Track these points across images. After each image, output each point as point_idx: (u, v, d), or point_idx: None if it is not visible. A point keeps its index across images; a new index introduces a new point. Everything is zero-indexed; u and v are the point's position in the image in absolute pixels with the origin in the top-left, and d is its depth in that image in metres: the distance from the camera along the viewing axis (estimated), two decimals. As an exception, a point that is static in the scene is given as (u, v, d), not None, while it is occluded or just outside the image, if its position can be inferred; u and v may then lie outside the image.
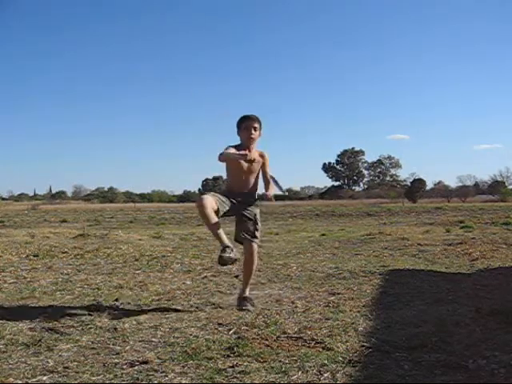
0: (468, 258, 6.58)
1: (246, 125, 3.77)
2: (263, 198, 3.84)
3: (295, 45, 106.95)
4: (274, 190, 3.89)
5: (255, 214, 3.84)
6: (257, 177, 3.86)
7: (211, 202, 3.49)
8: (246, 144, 3.78)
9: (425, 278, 5.00)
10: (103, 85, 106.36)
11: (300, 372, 2.35)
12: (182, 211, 30.88)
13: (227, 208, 3.65)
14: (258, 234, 3.83)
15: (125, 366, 2.47)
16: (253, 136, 3.77)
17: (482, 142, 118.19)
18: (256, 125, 3.78)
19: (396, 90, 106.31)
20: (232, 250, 3.47)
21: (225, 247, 3.47)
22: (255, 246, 3.82)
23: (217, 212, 3.53)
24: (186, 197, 73.91)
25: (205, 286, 4.77)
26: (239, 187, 3.80)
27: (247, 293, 3.85)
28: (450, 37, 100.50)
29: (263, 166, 3.87)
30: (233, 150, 3.70)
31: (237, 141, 3.86)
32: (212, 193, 3.66)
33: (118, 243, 8.70)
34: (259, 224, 3.86)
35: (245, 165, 3.75)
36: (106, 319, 3.39)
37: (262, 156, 3.86)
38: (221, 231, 3.53)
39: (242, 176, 3.79)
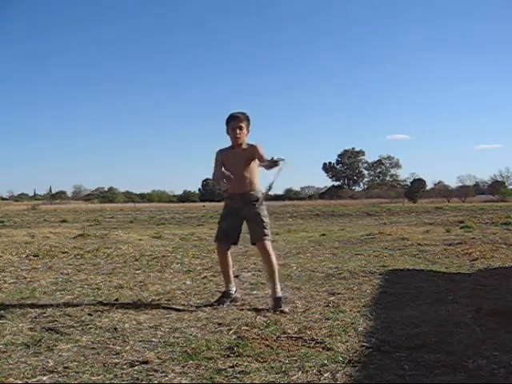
0: (468, 258, 6.58)
1: (232, 125, 3.83)
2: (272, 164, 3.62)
3: (295, 44, 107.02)
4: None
5: (259, 214, 3.83)
6: (253, 173, 3.86)
7: (226, 249, 3.95)
8: (234, 144, 3.89)
9: (425, 278, 5.00)
10: (103, 85, 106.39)
11: (300, 372, 2.35)
12: (182, 211, 30.91)
13: (238, 225, 3.92)
14: (267, 231, 3.84)
15: (125, 366, 2.47)
16: (238, 136, 3.83)
17: (481, 142, 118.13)
18: (241, 124, 3.82)
19: (396, 89, 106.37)
20: (231, 298, 3.90)
21: (227, 292, 3.94)
22: (267, 243, 3.84)
23: (235, 242, 3.96)
24: (185, 197, 73.94)
25: (205, 286, 4.77)
26: (237, 187, 3.85)
27: (279, 292, 3.81)
28: (450, 37, 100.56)
29: (256, 153, 3.82)
30: (220, 170, 3.89)
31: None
32: (222, 232, 3.93)
33: (118, 243, 8.70)
34: (266, 220, 3.86)
35: (234, 164, 3.83)
36: (105, 319, 3.39)
37: (252, 148, 3.86)
38: (230, 273, 4.01)
39: (239, 176, 3.81)
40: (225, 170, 3.85)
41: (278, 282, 3.87)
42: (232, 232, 3.90)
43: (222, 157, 3.92)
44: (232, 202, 3.92)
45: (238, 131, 3.81)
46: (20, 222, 19.31)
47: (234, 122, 3.82)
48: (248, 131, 3.90)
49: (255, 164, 3.86)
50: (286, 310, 3.61)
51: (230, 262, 4.01)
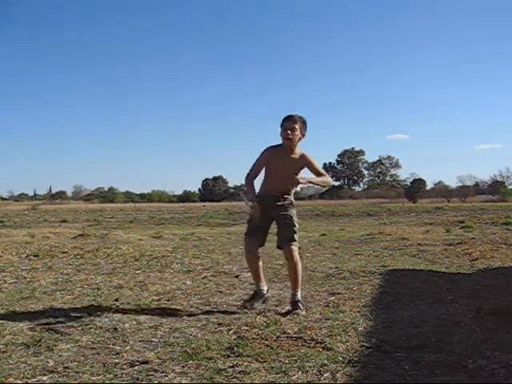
0: (468, 258, 6.59)
1: (285, 126, 3.75)
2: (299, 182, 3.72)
3: (295, 45, 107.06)
4: (313, 184, 3.87)
5: (291, 217, 3.78)
6: (293, 180, 3.73)
7: (256, 246, 3.80)
8: (285, 145, 3.78)
9: (425, 278, 5.00)
10: (103, 85, 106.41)
11: (300, 372, 2.35)
12: (182, 211, 30.90)
13: (267, 226, 3.82)
14: (296, 236, 3.75)
15: (125, 366, 2.47)
16: (289, 137, 3.72)
17: (481, 142, 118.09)
18: (294, 125, 3.73)
19: (396, 90, 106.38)
20: (262, 299, 3.81)
21: (259, 293, 3.83)
22: (294, 248, 3.74)
23: (263, 242, 3.85)
24: (185, 197, 73.92)
25: (205, 286, 4.77)
26: (275, 190, 3.80)
27: (299, 296, 3.73)
28: (450, 37, 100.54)
29: (310, 166, 3.81)
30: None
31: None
32: (254, 228, 3.78)
33: (118, 243, 8.70)
34: (296, 225, 3.79)
35: (280, 169, 3.74)
36: (105, 319, 3.39)
37: (304, 159, 3.80)
38: (260, 272, 3.86)
39: (279, 179, 3.77)
40: (252, 195, 3.78)
41: (300, 287, 3.78)
42: (261, 231, 3.79)
43: (270, 156, 3.80)
44: (263, 201, 3.76)
45: (289, 132, 3.71)
46: (20, 222, 19.31)
47: (288, 123, 3.74)
48: (303, 135, 3.80)
49: (300, 173, 3.76)
50: (303, 313, 3.56)
51: (260, 261, 3.85)
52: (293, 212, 3.82)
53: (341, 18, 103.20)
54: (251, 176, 3.84)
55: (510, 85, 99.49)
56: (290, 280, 3.85)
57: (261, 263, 3.85)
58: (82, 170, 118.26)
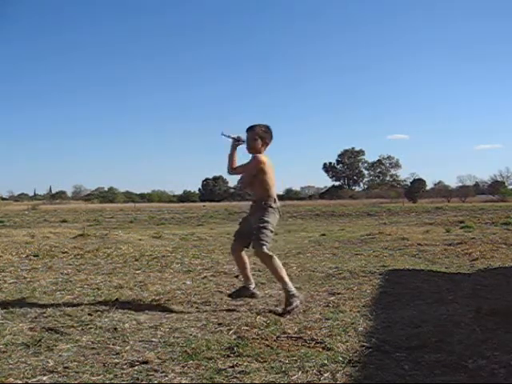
0: (468, 258, 6.59)
1: (246, 137, 3.97)
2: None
3: (295, 45, 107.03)
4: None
5: (257, 219, 3.78)
6: (258, 183, 3.82)
7: (238, 248, 3.98)
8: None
9: (425, 278, 5.00)
10: (103, 85, 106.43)
11: (300, 372, 2.35)
12: (182, 211, 30.90)
13: (248, 231, 3.85)
14: (262, 236, 3.71)
15: (125, 366, 2.47)
16: (249, 146, 3.94)
17: (481, 142, 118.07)
18: (253, 136, 3.91)
19: (396, 90, 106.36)
20: (248, 295, 3.97)
21: (245, 290, 3.98)
22: (257, 251, 3.74)
23: (247, 245, 3.93)
24: (185, 197, 73.93)
25: (205, 286, 4.77)
26: (252, 197, 4.01)
27: (292, 290, 3.69)
28: (450, 37, 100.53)
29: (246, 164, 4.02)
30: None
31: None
32: (236, 232, 4.07)
33: (118, 243, 8.70)
34: (263, 224, 3.73)
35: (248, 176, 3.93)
36: (105, 319, 3.39)
37: (251, 159, 3.95)
38: (247, 271, 4.00)
39: (245, 185, 3.98)
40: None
41: (286, 280, 3.72)
42: (244, 234, 3.92)
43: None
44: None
45: (247, 143, 3.97)
46: (20, 222, 19.30)
47: (247, 134, 3.96)
48: (265, 143, 3.93)
49: (262, 174, 3.79)
50: (298, 301, 3.61)
51: (246, 262, 3.99)
52: (260, 214, 3.79)
53: (341, 18, 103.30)
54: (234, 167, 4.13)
55: (510, 85, 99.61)
56: (274, 277, 3.92)
57: (247, 264, 3.99)
58: (82, 170, 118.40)
